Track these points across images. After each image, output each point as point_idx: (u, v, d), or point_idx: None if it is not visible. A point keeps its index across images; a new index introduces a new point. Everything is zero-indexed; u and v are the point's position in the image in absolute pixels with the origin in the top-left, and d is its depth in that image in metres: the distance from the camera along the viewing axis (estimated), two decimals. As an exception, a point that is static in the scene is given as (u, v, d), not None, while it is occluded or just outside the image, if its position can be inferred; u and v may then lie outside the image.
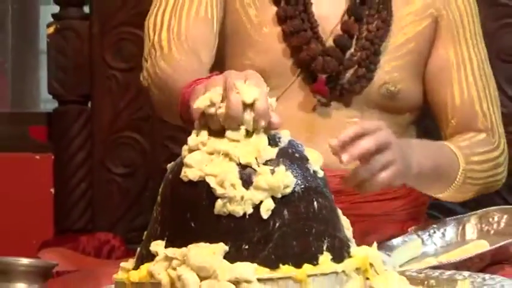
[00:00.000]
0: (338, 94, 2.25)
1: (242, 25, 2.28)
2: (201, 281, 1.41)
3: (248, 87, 1.49)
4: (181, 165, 1.50)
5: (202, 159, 1.48)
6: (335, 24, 2.28)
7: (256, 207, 1.45)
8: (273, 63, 2.23)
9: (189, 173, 1.47)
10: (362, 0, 2.28)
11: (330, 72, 2.23)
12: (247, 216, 1.45)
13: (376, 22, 2.27)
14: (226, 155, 1.47)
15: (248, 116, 1.48)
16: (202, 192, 1.46)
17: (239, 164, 1.46)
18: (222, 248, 1.44)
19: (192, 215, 1.48)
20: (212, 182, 1.45)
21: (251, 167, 1.46)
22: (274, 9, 2.27)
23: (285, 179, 1.46)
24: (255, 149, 1.48)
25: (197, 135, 1.50)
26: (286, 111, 2.13)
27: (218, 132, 1.50)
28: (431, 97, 2.37)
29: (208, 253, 1.43)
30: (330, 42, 2.26)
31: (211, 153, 1.48)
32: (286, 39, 2.26)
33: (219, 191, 1.45)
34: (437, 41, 2.35)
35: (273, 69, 2.22)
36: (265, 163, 1.47)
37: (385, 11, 2.28)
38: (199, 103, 1.49)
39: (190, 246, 1.44)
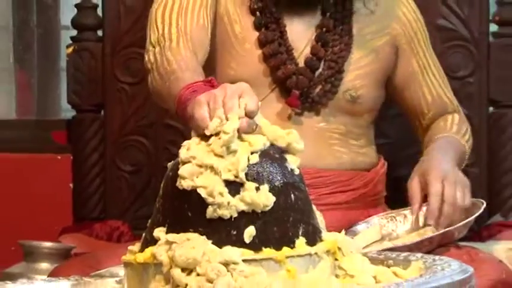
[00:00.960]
0: (309, 106, 2.26)
1: (228, 38, 2.28)
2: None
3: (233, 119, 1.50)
4: (178, 165, 1.50)
5: (193, 172, 1.47)
6: (305, 46, 2.29)
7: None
8: (253, 77, 2.21)
9: (183, 183, 1.47)
10: (327, 28, 2.28)
11: (302, 88, 2.24)
12: (232, 219, 1.45)
13: (340, 46, 2.28)
14: (212, 168, 1.46)
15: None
16: (195, 198, 1.46)
17: (223, 180, 1.46)
18: (202, 240, 1.44)
19: (188, 206, 1.47)
20: (203, 193, 1.45)
21: (238, 184, 1.46)
22: (256, 33, 2.27)
23: (267, 201, 1.46)
24: (237, 160, 1.47)
25: (187, 149, 1.50)
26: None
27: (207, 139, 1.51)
28: (403, 100, 2.43)
29: (189, 250, 1.43)
30: (301, 63, 2.27)
31: (200, 166, 1.47)
32: (266, 60, 2.26)
33: (209, 200, 1.45)
34: (400, 56, 2.39)
35: (253, 82, 2.16)
36: (250, 168, 1.48)
37: (347, 36, 2.29)
38: (211, 129, 1.50)
39: (175, 247, 1.44)
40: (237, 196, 1.45)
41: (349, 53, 2.29)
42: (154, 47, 2.13)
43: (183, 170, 1.47)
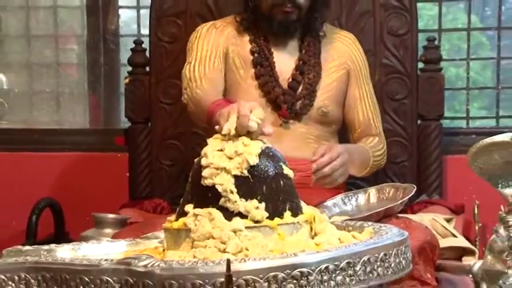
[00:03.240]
0: (294, 116, 2.29)
1: (236, 79, 2.32)
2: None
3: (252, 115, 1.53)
4: (201, 162, 1.50)
5: (212, 173, 1.48)
6: (289, 74, 2.32)
7: None
8: (253, 100, 2.21)
9: (206, 182, 1.48)
10: (304, 61, 2.32)
11: (287, 103, 2.28)
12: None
13: (312, 73, 2.32)
14: (225, 169, 1.47)
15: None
16: (214, 188, 1.48)
17: (233, 175, 1.47)
18: (218, 214, 1.45)
19: (209, 191, 1.48)
20: (219, 188, 1.46)
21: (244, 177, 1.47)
22: (253, 70, 2.31)
23: (261, 218, 1.46)
24: (242, 161, 1.48)
25: (207, 158, 1.50)
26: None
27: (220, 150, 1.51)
28: (346, 116, 2.42)
29: (201, 228, 1.44)
30: (286, 86, 2.30)
31: (217, 169, 1.48)
32: (260, 87, 2.30)
33: (223, 194, 1.46)
34: (349, 84, 2.41)
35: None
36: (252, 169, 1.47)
37: (317, 66, 2.34)
38: (229, 126, 1.52)
39: (197, 224, 1.46)
40: (243, 201, 1.46)
41: (320, 79, 2.33)
42: (185, 89, 2.26)
43: (205, 173, 1.49)
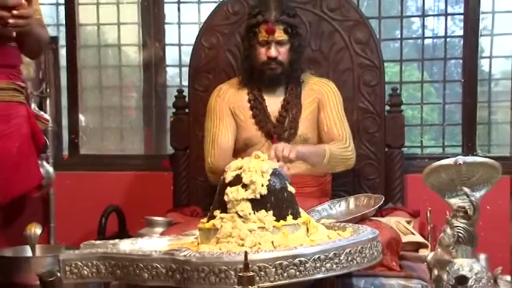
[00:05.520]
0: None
1: (239, 122, 2.37)
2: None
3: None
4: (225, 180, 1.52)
5: (234, 203, 1.49)
6: (277, 112, 2.34)
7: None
8: (252, 135, 2.31)
9: (231, 211, 1.49)
10: (288, 101, 2.34)
11: (277, 133, 2.31)
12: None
13: (295, 110, 2.33)
14: (244, 199, 1.48)
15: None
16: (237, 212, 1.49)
17: (249, 200, 1.48)
18: (238, 218, 1.46)
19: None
20: (241, 213, 1.48)
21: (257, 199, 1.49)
22: (251, 112, 2.35)
23: (270, 223, 1.46)
24: (255, 188, 1.48)
25: (227, 195, 1.50)
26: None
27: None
28: (318, 132, 2.36)
29: (222, 229, 1.45)
30: (275, 121, 2.33)
31: (237, 200, 1.49)
32: (257, 124, 2.34)
33: (243, 216, 1.47)
34: (319, 112, 2.36)
35: (253, 137, 2.32)
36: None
37: (299, 104, 2.35)
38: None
39: (223, 225, 1.47)
40: (257, 214, 1.46)
41: (300, 113, 2.34)
42: (207, 161, 2.35)
43: (228, 205, 1.50)
